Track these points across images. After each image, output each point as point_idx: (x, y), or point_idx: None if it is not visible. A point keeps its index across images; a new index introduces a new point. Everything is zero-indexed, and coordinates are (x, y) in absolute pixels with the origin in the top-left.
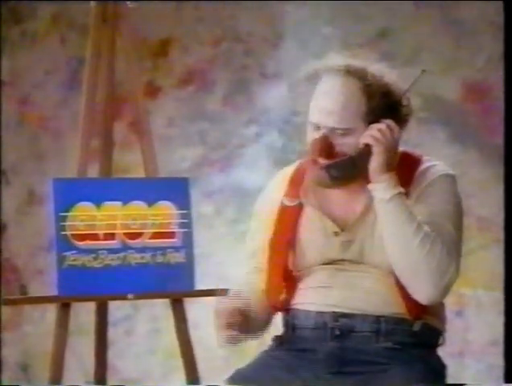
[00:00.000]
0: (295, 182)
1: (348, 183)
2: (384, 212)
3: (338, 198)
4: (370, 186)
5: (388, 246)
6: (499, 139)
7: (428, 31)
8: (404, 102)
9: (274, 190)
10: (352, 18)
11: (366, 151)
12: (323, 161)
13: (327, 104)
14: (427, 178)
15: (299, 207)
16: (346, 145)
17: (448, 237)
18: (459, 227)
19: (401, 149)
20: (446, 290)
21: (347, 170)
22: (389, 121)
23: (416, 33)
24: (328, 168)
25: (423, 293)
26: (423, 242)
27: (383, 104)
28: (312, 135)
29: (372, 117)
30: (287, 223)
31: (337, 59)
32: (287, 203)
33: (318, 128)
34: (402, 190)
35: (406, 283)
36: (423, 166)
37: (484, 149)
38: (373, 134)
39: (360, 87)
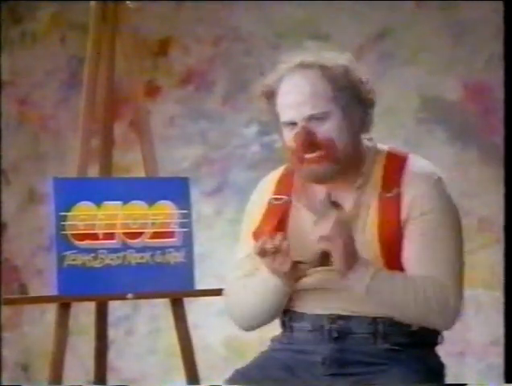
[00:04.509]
0: (283, 183)
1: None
2: (367, 297)
3: None
4: (344, 283)
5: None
6: (499, 139)
7: (428, 31)
8: (364, 80)
9: (262, 194)
10: (352, 18)
11: (325, 253)
12: (308, 155)
13: (296, 98)
14: (415, 191)
15: (287, 204)
16: (327, 131)
17: (442, 262)
18: (455, 246)
19: (387, 147)
20: (455, 315)
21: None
22: (334, 213)
23: (416, 33)
24: None
25: (438, 327)
26: (415, 298)
27: (347, 84)
28: (290, 135)
29: (341, 99)
30: (273, 216)
31: (291, 59)
32: (274, 201)
33: (294, 124)
34: (370, 272)
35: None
36: (410, 168)
37: (484, 149)
38: (328, 237)
39: (320, 74)
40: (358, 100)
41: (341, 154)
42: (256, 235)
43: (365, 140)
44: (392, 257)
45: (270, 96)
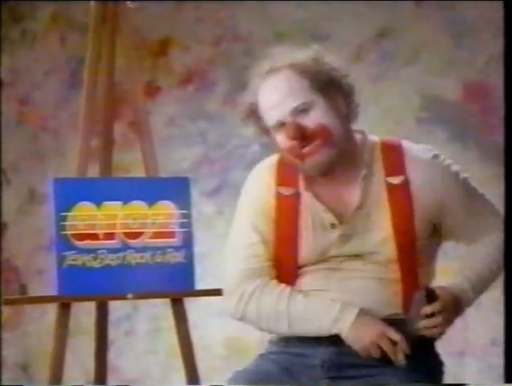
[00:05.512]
0: (285, 172)
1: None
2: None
3: (334, 189)
4: None
5: None
6: (499, 138)
7: (428, 31)
8: (336, 66)
9: (262, 185)
10: (352, 18)
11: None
12: (306, 149)
13: (275, 97)
14: (425, 177)
15: (297, 197)
16: (316, 119)
17: (484, 216)
18: (481, 196)
19: (377, 138)
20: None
21: None
22: (433, 306)
23: (416, 33)
24: None
25: None
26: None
27: (319, 73)
28: (282, 135)
29: (319, 88)
30: (289, 211)
31: (260, 68)
32: (284, 192)
33: (282, 124)
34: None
35: None
36: (409, 154)
37: (484, 148)
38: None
39: (292, 71)
40: (336, 87)
41: (336, 140)
42: (277, 233)
43: (356, 133)
44: (407, 248)
45: (254, 111)
